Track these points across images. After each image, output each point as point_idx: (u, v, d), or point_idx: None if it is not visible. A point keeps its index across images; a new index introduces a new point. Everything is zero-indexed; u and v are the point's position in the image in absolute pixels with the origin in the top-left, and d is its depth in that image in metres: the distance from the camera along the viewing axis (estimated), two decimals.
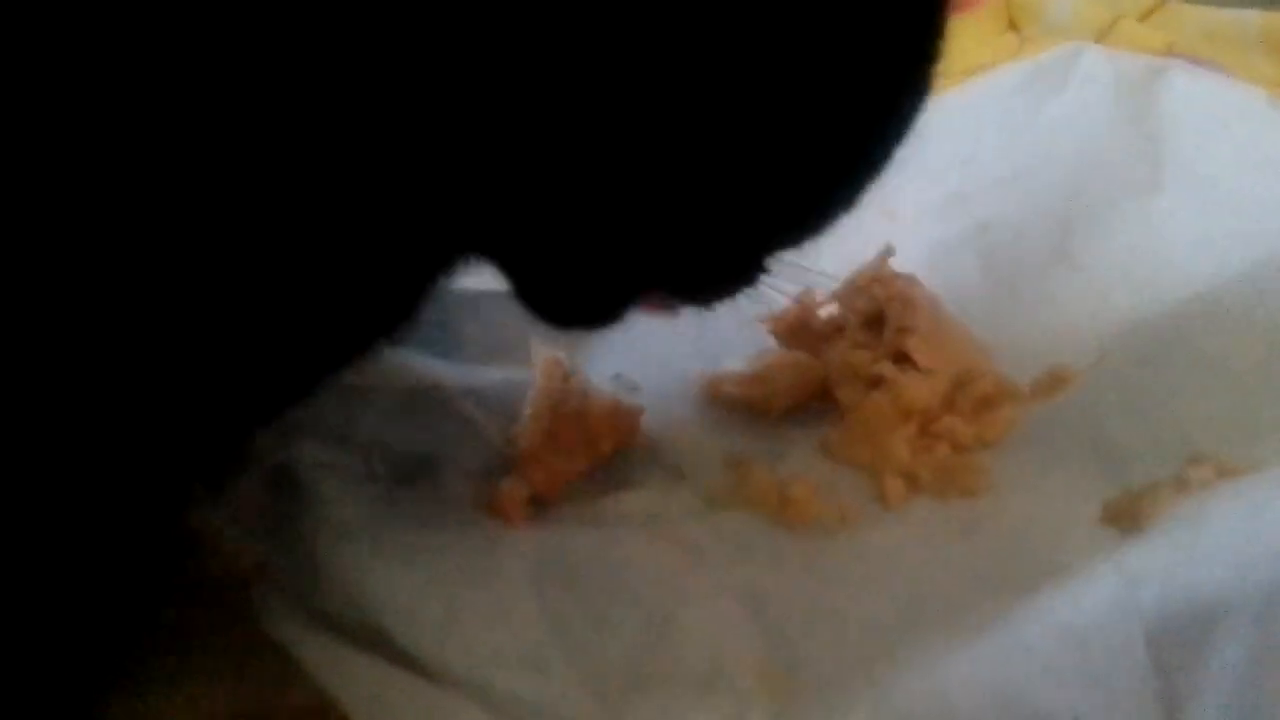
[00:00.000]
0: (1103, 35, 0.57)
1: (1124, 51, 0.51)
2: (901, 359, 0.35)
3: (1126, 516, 0.27)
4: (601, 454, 0.36)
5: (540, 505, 0.34)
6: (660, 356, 0.42)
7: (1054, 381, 0.38)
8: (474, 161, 0.25)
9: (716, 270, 0.32)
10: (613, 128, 0.24)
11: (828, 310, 0.40)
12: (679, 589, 0.28)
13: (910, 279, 0.38)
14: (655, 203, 0.27)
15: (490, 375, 0.39)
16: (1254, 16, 0.55)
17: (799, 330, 0.39)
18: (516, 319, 0.41)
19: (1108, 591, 0.22)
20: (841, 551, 0.31)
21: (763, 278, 0.32)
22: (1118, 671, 0.20)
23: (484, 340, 0.39)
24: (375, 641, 0.26)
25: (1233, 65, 0.52)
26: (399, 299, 0.29)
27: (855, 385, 0.35)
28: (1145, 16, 0.59)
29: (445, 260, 0.29)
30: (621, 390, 0.41)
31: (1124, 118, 0.47)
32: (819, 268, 0.35)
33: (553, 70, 0.23)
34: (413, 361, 0.36)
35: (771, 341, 0.40)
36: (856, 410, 0.35)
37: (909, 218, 0.49)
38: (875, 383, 0.35)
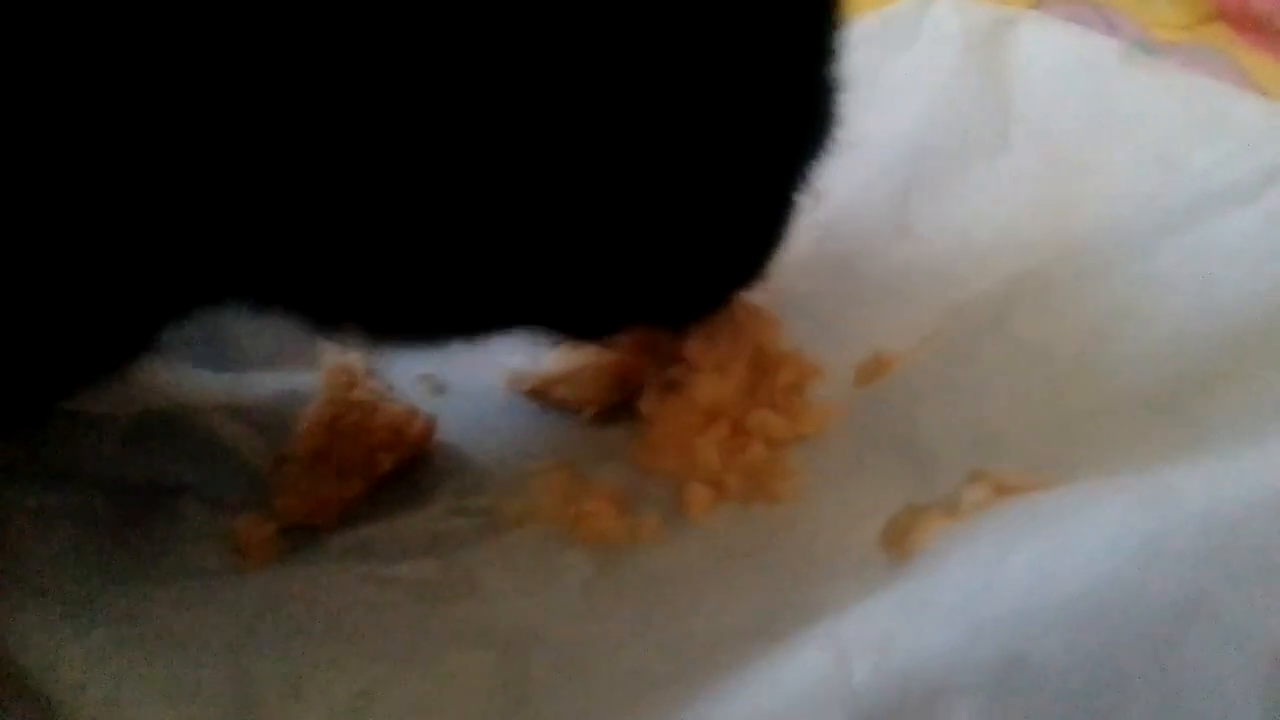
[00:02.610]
0: None
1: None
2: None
3: (897, 542, 0.24)
4: (382, 471, 0.33)
5: (309, 534, 0.30)
6: (471, 353, 0.39)
7: (876, 366, 0.35)
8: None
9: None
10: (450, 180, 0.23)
11: None
12: (412, 641, 0.25)
13: None
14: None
15: (266, 385, 0.35)
16: None
17: None
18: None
19: (814, 666, 0.19)
20: (625, 578, 0.29)
21: None
22: None
23: (258, 347, 0.35)
24: None
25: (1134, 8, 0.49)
26: (127, 329, 0.26)
27: (652, 392, 0.32)
28: None
29: (193, 294, 0.26)
30: (427, 393, 0.38)
31: (972, 73, 0.44)
32: None
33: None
34: (162, 379, 0.33)
35: None
36: (659, 417, 0.32)
37: None
38: (670, 386, 0.32)
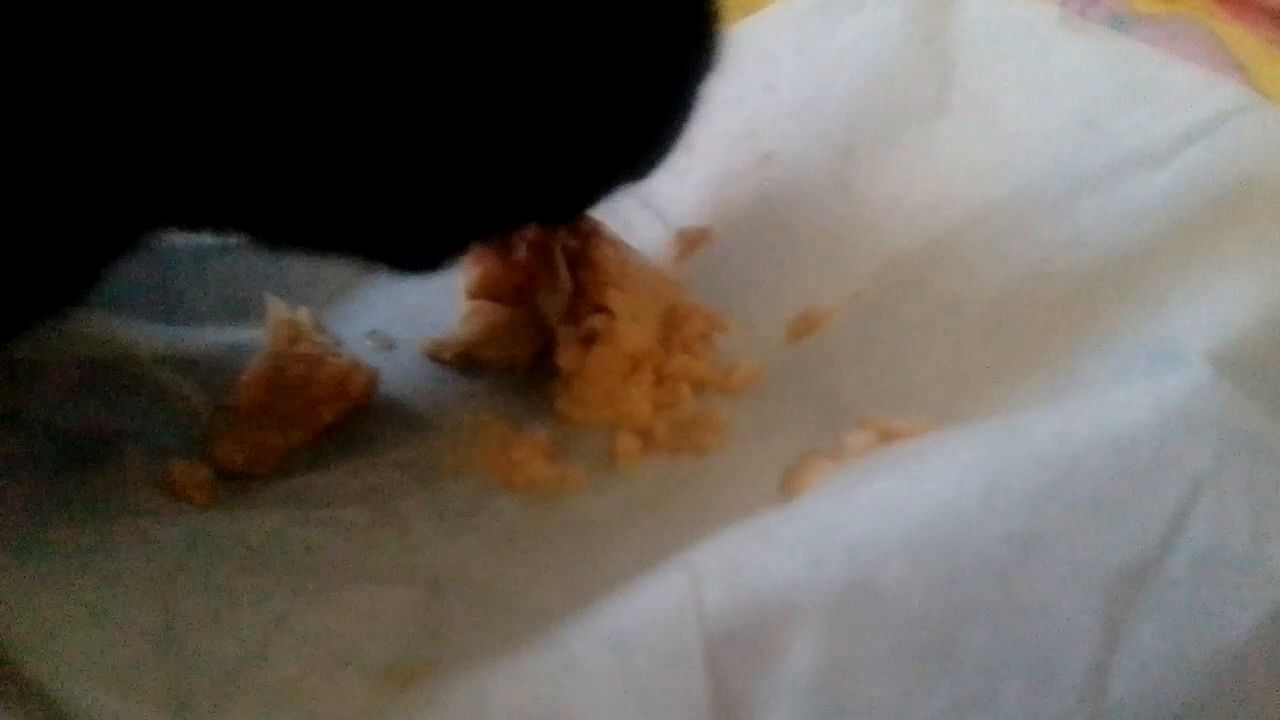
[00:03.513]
0: None
1: None
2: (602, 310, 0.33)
3: (789, 486, 0.25)
4: (323, 423, 0.34)
5: (243, 485, 0.32)
6: (421, 310, 0.40)
7: (805, 324, 0.36)
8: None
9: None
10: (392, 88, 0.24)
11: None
12: (336, 579, 0.26)
13: (593, 223, 0.35)
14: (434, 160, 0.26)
15: (210, 339, 0.36)
16: None
17: (497, 286, 0.36)
18: (249, 276, 0.39)
19: (670, 589, 0.20)
20: (549, 524, 0.30)
21: None
22: (665, 686, 0.19)
23: (204, 301, 0.36)
24: None
25: None
26: (72, 265, 0.27)
27: (570, 346, 0.33)
28: None
29: (136, 223, 0.26)
30: (375, 349, 0.39)
31: (915, 39, 0.45)
32: None
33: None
34: (109, 328, 0.34)
35: None
36: (583, 369, 0.33)
37: (703, 149, 0.47)
38: (590, 338, 0.33)
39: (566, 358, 0.33)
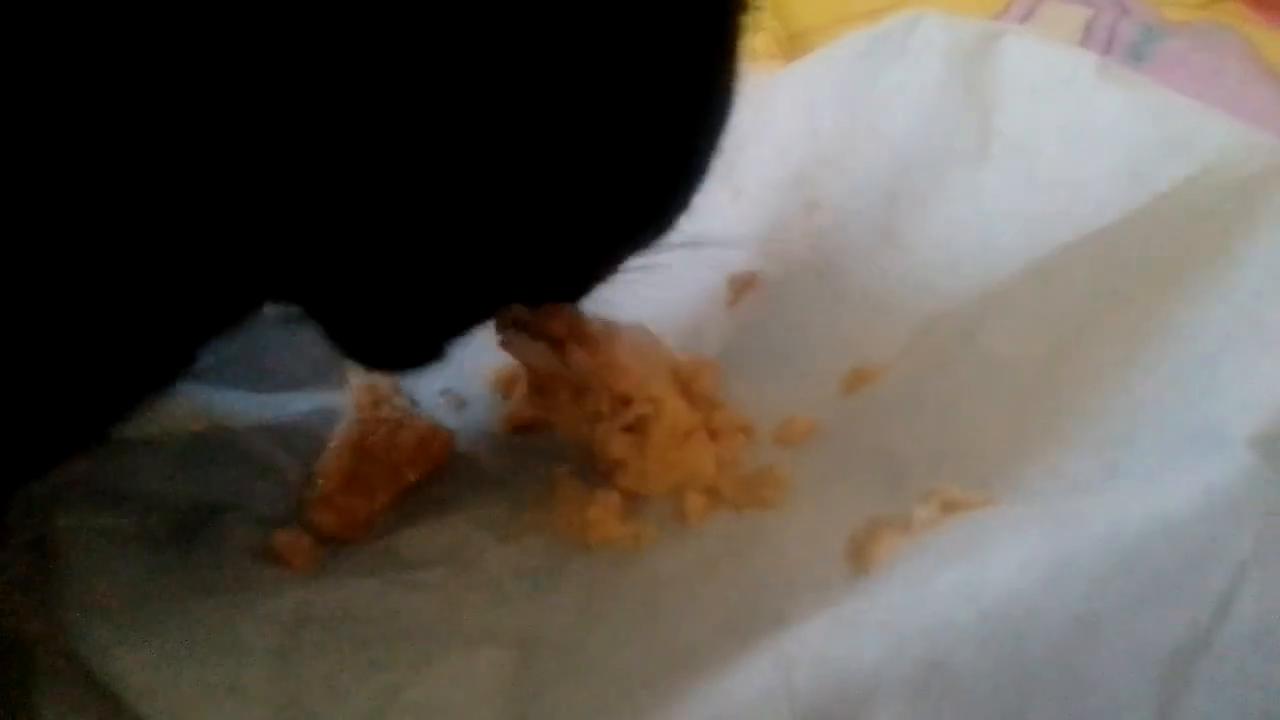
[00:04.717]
0: None
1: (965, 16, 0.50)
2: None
3: (858, 556, 0.27)
4: (407, 484, 0.36)
5: (338, 547, 0.34)
6: (490, 368, 0.42)
7: (858, 378, 0.37)
8: (266, 212, 0.24)
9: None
10: (411, 171, 0.24)
11: None
12: (435, 639, 0.28)
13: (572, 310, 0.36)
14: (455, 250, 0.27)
15: (297, 406, 0.38)
16: None
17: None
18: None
19: (762, 674, 0.22)
20: (625, 582, 0.32)
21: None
22: None
23: (292, 368, 0.39)
24: None
25: None
26: (171, 350, 0.29)
27: (614, 438, 0.34)
28: None
29: (231, 309, 0.28)
30: (447, 408, 0.41)
31: (957, 86, 0.46)
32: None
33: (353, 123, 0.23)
34: (205, 400, 0.36)
35: None
36: (638, 449, 0.35)
37: (753, 194, 0.48)
38: (631, 427, 0.34)
39: (616, 449, 0.34)
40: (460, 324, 0.32)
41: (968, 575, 0.22)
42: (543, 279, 0.31)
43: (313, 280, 0.28)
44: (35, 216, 0.22)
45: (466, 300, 0.31)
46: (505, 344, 0.36)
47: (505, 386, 0.41)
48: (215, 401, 0.37)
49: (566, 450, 0.38)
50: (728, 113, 0.30)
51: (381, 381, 0.39)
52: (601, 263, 0.32)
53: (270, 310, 0.40)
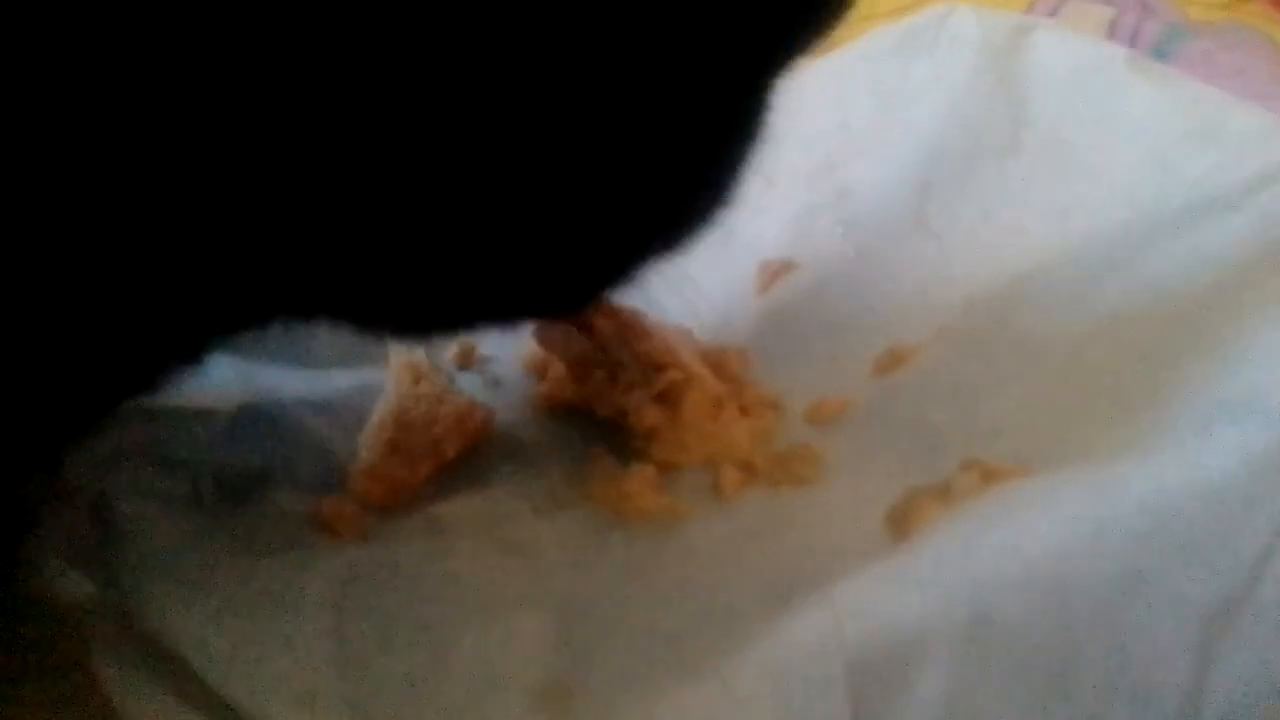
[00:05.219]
0: None
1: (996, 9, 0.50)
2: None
3: (899, 524, 0.28)
4: (447, 458, 0.37)
5: (382, 516, 0.34)
6: (524, 349, 0.43)
7: (892, 359, 0.38)
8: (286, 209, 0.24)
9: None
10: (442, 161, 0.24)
11: None
12: (481, 603, 0.29)
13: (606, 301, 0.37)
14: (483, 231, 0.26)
15: (340, 382, 0.39)
16: None
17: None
18: None
19: (814, 624, 0.22)
20: (664, 552, 0.32)
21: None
22: (814, 709, 0.21)
23: (335, 345, 0.39)
24: (180, 677, 0.27)
25: None
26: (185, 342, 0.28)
27: (646, 407, 0.35)
28: None
29: (240, 303, 0.29)
30: (484, 385, 0.42)
31: (988, 79, 0.47)
32: None
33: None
34: (253, 373, 0.37)
35: None
36: (677, 418, 0.35)
37: (784, 184, 0.49)
38: (663, 395, 0.35)
39: (648, 418, 0.35)
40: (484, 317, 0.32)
41: (1011, 535, 0.23)
42: (563, 285, 0.31)
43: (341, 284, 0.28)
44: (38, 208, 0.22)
45: (483, 300, 0.30)
46: (537, 334, 0.38)
47: (539, 368, 0.42)
48: (262, 377, 0.37)
49: (601, 430, 0.39)
50: (758, 126, 0.30)
51: (420, 359, 0.40)
52: (621, 268, 0.32)
53: None
